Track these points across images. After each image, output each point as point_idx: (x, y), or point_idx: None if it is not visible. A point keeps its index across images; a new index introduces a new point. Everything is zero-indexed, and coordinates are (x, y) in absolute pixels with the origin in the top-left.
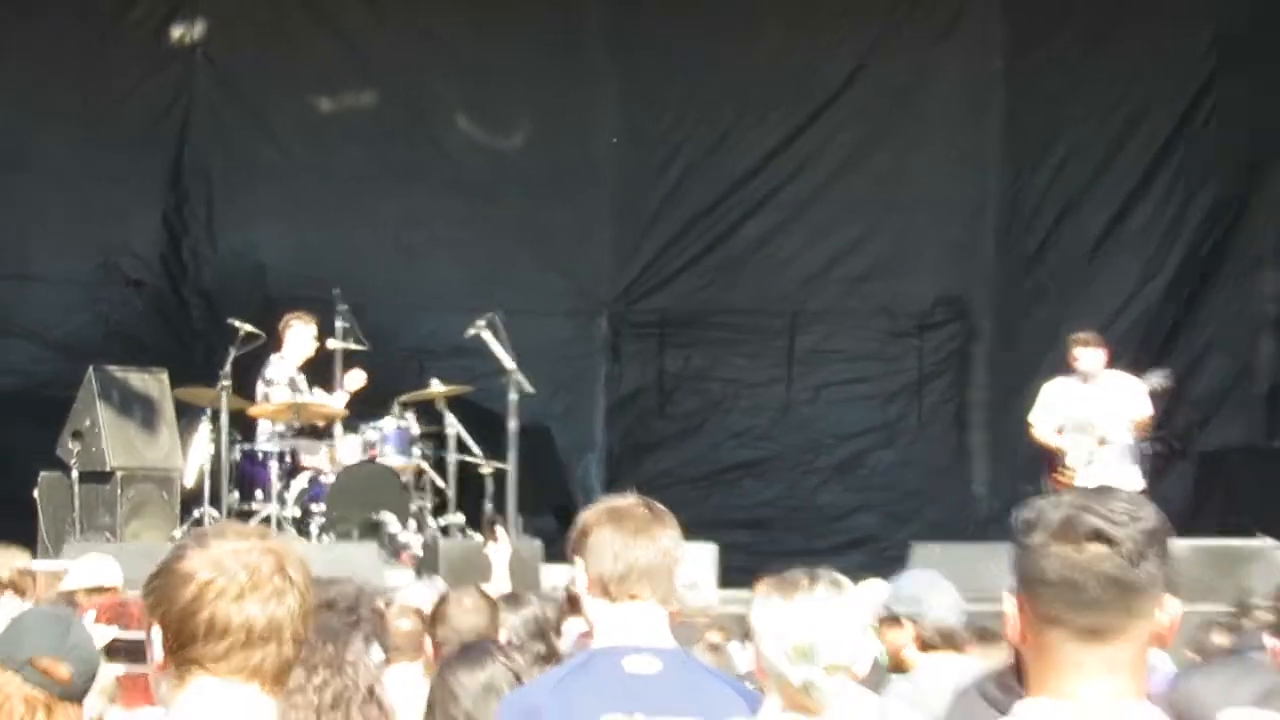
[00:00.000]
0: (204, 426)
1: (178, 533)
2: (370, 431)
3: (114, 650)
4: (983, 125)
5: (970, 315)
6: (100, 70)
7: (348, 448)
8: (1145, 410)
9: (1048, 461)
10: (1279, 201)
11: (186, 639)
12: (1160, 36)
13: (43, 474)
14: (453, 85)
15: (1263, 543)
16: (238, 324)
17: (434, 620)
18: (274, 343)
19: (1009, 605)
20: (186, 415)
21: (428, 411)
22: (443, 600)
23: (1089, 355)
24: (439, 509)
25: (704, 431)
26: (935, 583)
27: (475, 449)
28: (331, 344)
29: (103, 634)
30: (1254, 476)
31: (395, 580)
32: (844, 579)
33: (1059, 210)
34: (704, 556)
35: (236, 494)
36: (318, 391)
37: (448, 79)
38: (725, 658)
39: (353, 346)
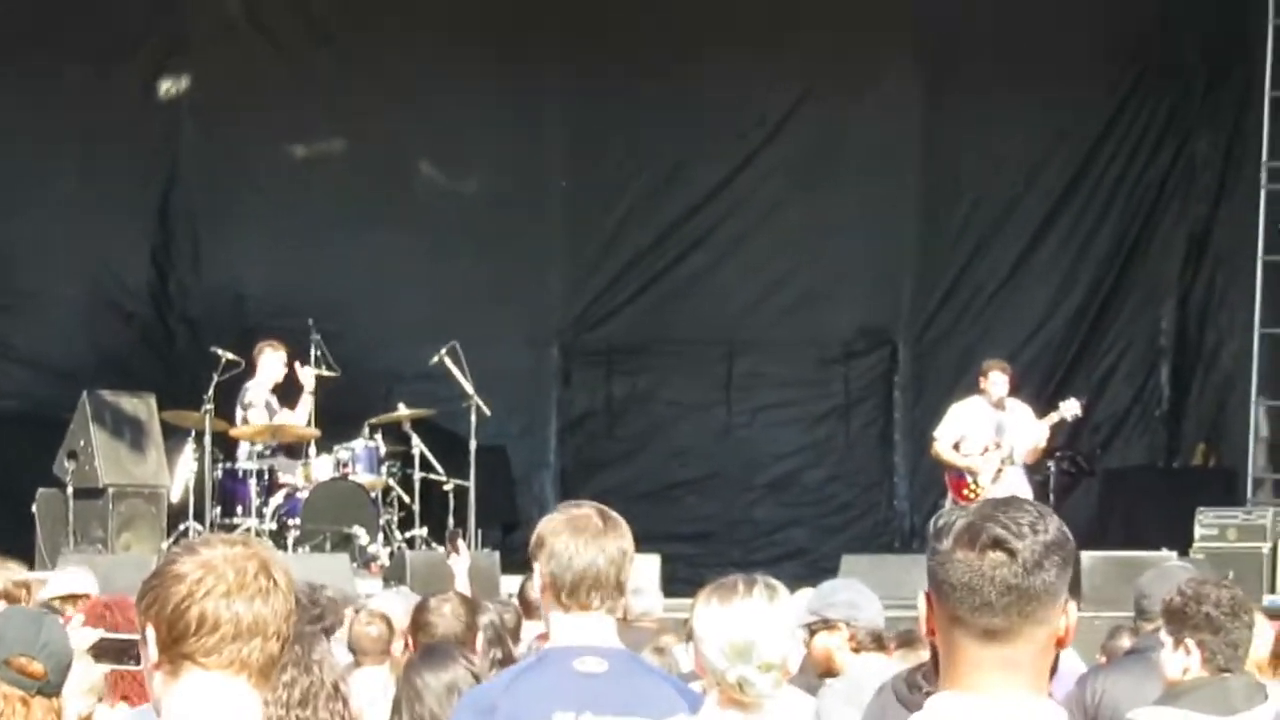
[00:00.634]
0: (189, 446)
1: (165, 545)
2: (342, 451)
3: (101, 650)
4: (901, 170)
5: (891, 344)
6: (96, 114)
7: (321, 466)
8: (1044, 436)
9: (951, 480)
10: (1173, 239)
11: (179, 635)
12: (1062, 87)
13: (40, 490)
14: (416, 134)
15: (1163, 554)
16: (220, 351)
17: (415, 625)
18: (249, 369)
19: (921, 603)
20: (173, 436)
21: (394, 433)
22: (423, 606)
23: (1000, 381)
24: (405, 523)
25: (649, 451)
26: (862, 590)
27: (438, 467)
28: (305, 370)
29: (88, 636)
30: (1153, 494)
31: (365, 589)
32: (778, 584)
33: (971, 248)
34: (649, 566)
35: (219, 509)
36: (285, 411)
37: (411, 128)
38: (670, 659)
39: (325, 372)
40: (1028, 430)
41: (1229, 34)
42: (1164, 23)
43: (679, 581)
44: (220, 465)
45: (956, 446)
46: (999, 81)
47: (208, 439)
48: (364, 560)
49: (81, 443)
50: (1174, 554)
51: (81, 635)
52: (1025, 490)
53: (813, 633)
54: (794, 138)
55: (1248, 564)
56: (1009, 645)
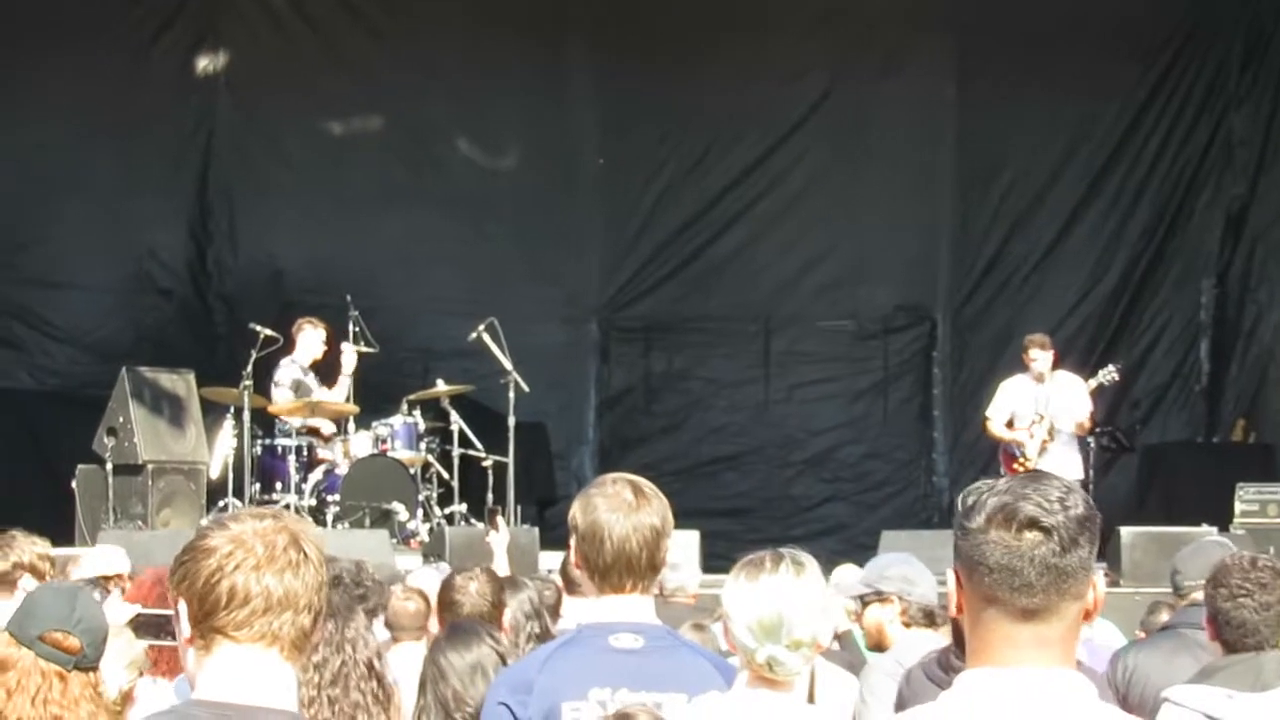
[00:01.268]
0: (228, 423)
1: (204, 521)
2: (380, 427)
3: (139, 625)
4: (937, 147)
5: (930, 319)
6: (133, 96)
7: (360, 442)
8: (1087, 408)
9: (1004, 455)
10: (1211, 215)
11: (210, 608)
12: (1099, 64)
13: (80, 467)
14: (451, 111)
15: (1203, 530)
16: (257, 328)
17: (441, 602)
18: (288, 345)
19: (950, 580)
20: (212, 412)
21: (433, 409)
22: (449, 583)
23: (1041, 356)
24: (444, 499)
25: (686, 428)
26: (918, 565)
27: (477, 443)
28: (347, 350)
29: (126, 611)
30: (1192, 470)
31: (404, 565)
32: (808, 559)
33: (1010, 224)
34: (688, 542)
35: (258, 485)
36: (324, 390)
37: (447, 105)
38: (709, 635)
39: (363, 349)
40: (1073, 402)
41: (1266, 9)
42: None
43: (717, 558)
44: (259, 441)
45: (1010, 424)
46: (1034, 59)
47: (246, 415)
48: (403, 536)
49: (121, 419)
50: (1214, 529)
51: (119, 610)
52: (1074, 463)
53: (865, 604)
54: (830, 113)
55: None
56: (1044, 622)
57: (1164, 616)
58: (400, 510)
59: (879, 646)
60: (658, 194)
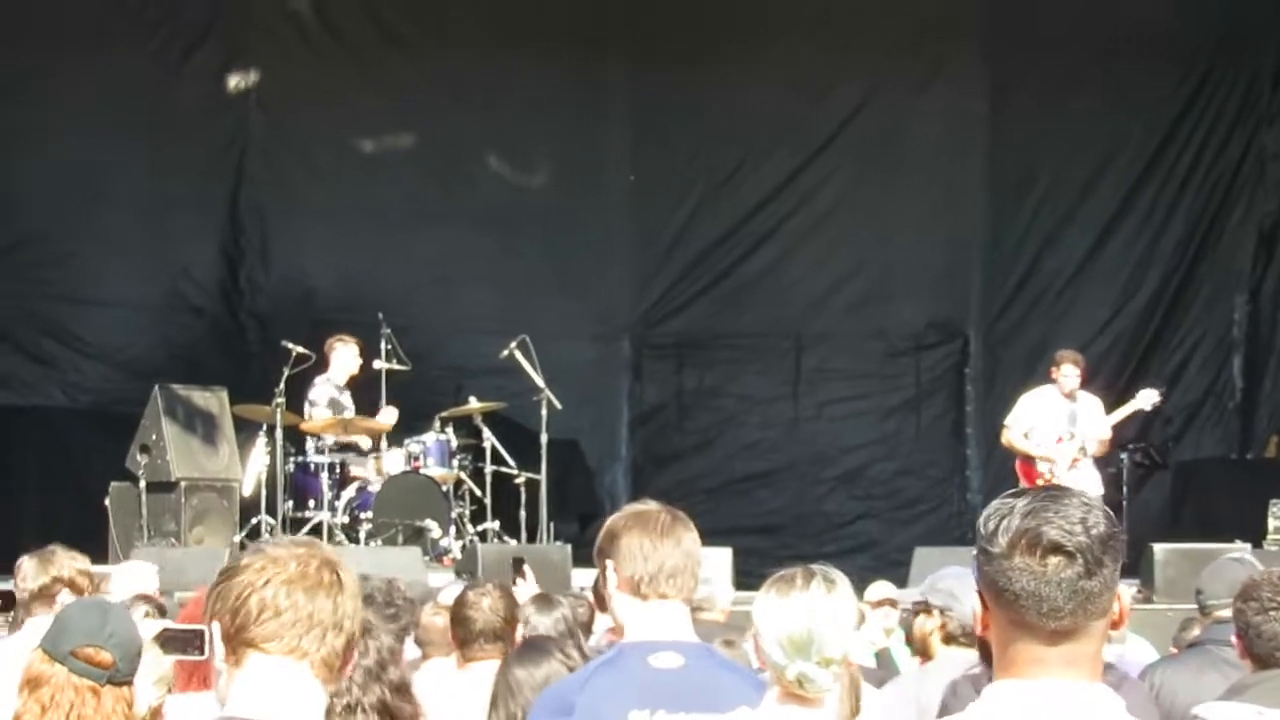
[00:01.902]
0: (260, 440)
1: (237, 538)
2: (413, 444)
3: (165, 641)
4: (968, 162)
5: (963, 336)
6: (165, 113)
7: (393, 459)
8: (1108, 429)
9: (1022, 467)
10: (1243, 232)
11: (242, 622)
12: (1132, 79)
13: (113, 484)
14: (483, 128)
15: (1236, 546)
16: (290, 345)
17: (454, 618)
18: (321, 363)
19: (974, 600)
20: (244, 430)
21: (466, 426)
22: (462, 600)
23: (1072, 373)
24: (477, 516)
25: (718, 444)
26: (969, 580)
27: (509, 460)
28: (376, 364)
29: (151, 627)
30: (1226, 486)
31: (437, 582)
32: (839, 576)
33: (1041, 240)
34: (720, 560)
35: (291, 503)
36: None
37: (478, 122)
38: (740, 652)
39: (395, 366)
40: (1097, 423)
41: None
42: (1233, 14)
43: (749, 574)
44: (292, 459)
45: (1026, 436)
46: (1067, 74)
47: (279, 433)
48: (436, 553)
49: (154, 437)
50: (1247, 546)
51: (144, 626)
52: (1096, 483)
53: (915, 614)
54: (861, 131)
55: None
56: (1074, 642)
57: (1196, 632)
58: (433, 528)
59: (926, 657)
60: (689, 211)
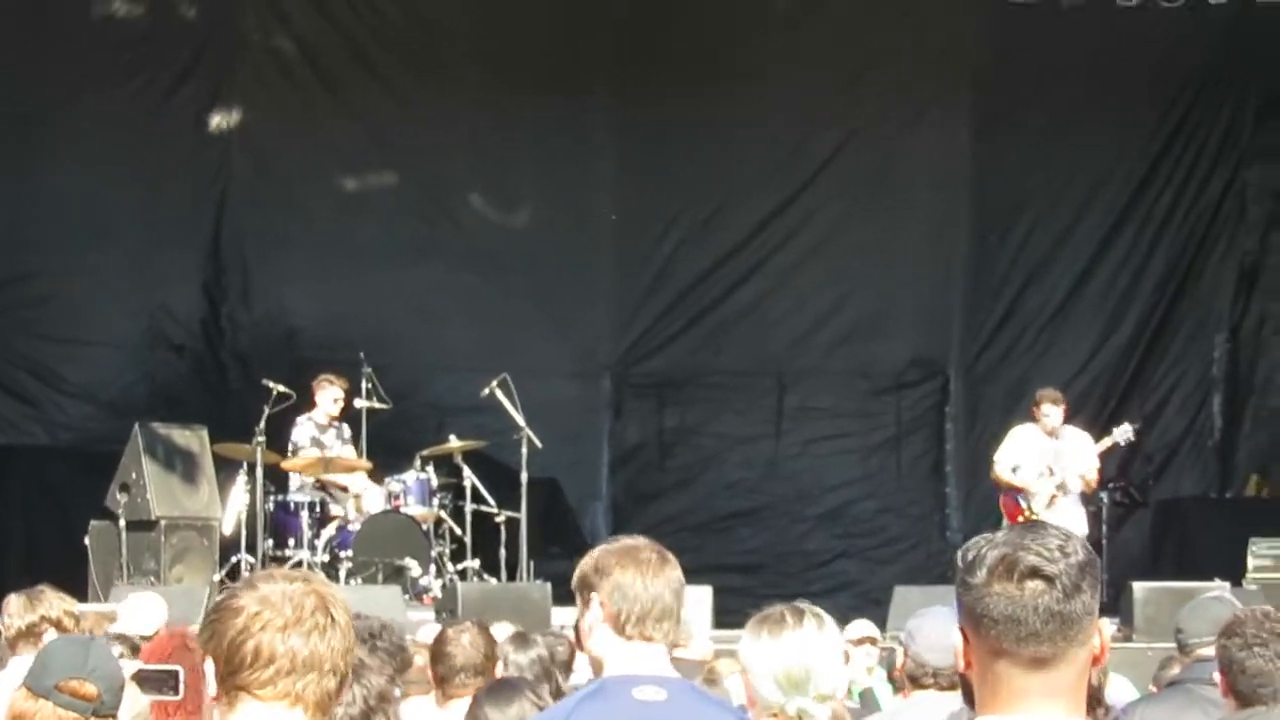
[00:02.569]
0: (241, 479)
1: (217, 577)
2: (393, 483)
3: (140, 680)
4: (951, 200)
5: (943, 375)
6: (148, 150)
7: (373, 498)
8: (1095, 467)
9: (1006, 504)
10: (1224, 271)
11: (235, 666)
12: (1114, 117)
13: (93, 523)
14: (465, 166)
15: (1215, 585)
16: (271, 384)
17: (434, 655)
18: (307, 400)
19: (956, 637)
20: (225, 469)
21: (446, 464)
22: (441, 637)
23: (1054, 412)
24: (457, 555)
25: (700, 483)
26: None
27: (490, 499)
28: (358, 403)
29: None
30: (1205, 525)
31: (417, 620)
32: (822, 612)
33: (1023, 279)
34: (700, 599)
35: (271, 541)
36: (341, 446)
37: (461, 161)
38: (723, 689)
39: (376, 405)
40: (1082, 458)
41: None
42: (1214, 54)
43: (730, 613)
44: (272, 497)
45: (1015, 471)
46: (1049, 113)
47: (259, 471)
48: (416, 592)
49: (134, 475)
50: (1227, 585)
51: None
52: (1080, 521)
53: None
54: (844, 169)
55: None
56: (1054, 670)
57: (1176, 670)
58: (413, 566)
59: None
60: (671, 248)
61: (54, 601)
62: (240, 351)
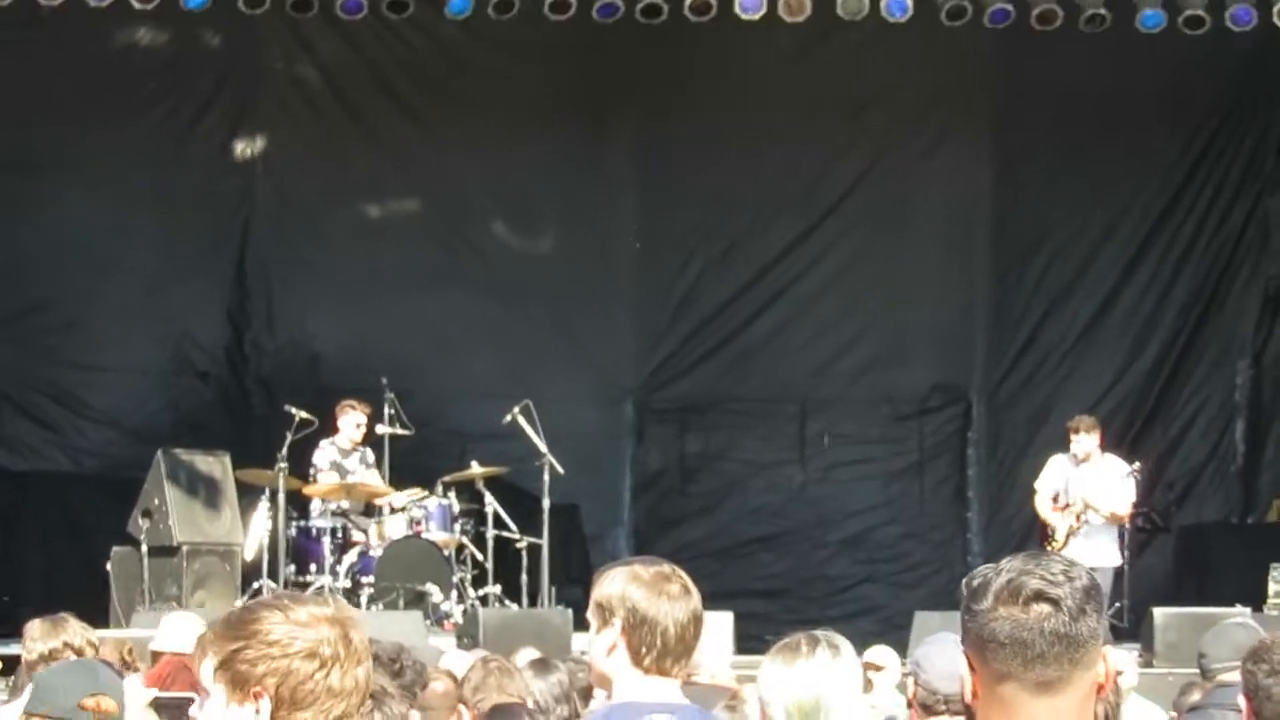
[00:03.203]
0: (263, 505)
1: (238, 603)
2: (415, 509)
3: (159, 708)
4: (973, 229)
5: (966, 400)
6: (172, 178)
7: (394, 524)
8: (1126, 497)
9: (1040, 535)
10: (1247, 297)
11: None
12: (1135, 147)
13: (115, 549)
14: (488, 194)
15: (1237, 610)
16: (294, 410)
17: (464, 686)
18: (330, 426)
19: (962, 665)
20: (247, 494)
21: (468, 491)
22: (474, 668)
23: (1083, 440)
24: (478, 580)
25: (723, 509)
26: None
27: (511, 525)
28: (380, 429)
29: (146, 694)
30: (1227, 550)
31: (438, 647)
32: (842, 641)
33: (1046, 304)
34: (722, 624)
35: (293, 567)
36: (364, 472)
37: (483, 188)
38: (742, 716)
39: (399, 431)
40: (1110, 488)
41: None
42: (1236, 82)
43: (752, 639)
44: (294, 523)
45: (1055, 500)
46: (1072, 140)
47: (281, 497)
48: (437, 618)
49: (156, 501)
50: (1248, 610)
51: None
52: (1110, 552)
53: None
54: (867, 196)
55: None
56: (1060, 695)
57: (1197, 697)
58: (434, 592)
59: None
60: (694, 276)
61: (76, 629)
62: (264, 377)
